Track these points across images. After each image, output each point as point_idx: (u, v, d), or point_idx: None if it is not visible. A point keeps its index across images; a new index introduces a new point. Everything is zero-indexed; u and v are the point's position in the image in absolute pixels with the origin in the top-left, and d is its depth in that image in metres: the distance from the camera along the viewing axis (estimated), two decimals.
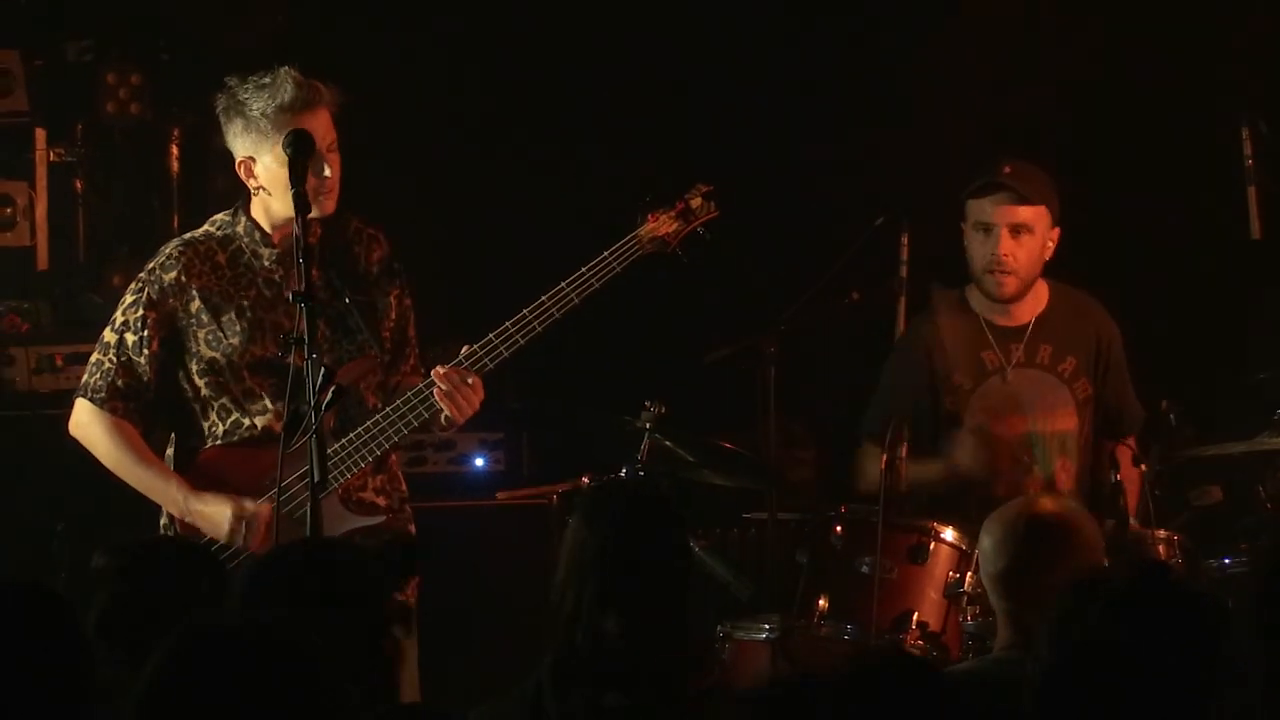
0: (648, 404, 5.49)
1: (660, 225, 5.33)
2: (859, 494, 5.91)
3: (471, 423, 5.32)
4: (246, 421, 5.20)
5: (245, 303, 5.22)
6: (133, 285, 5.29)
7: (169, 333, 5.22)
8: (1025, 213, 5.88)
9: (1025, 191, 5.87)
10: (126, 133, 7.41)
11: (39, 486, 6.51)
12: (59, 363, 6.91)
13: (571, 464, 6.08)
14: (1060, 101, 7.30)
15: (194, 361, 5.22)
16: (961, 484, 5.85)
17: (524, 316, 5.17)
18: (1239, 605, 3.02)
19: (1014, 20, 7.33)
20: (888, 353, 6.21)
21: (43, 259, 7.26)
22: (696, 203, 5.39)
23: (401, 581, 4.56)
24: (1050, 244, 5.92)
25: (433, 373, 5.15)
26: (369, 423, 5.16)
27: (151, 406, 5.25)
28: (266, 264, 5.24)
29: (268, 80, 5.12)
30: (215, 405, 5.22)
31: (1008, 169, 5.90)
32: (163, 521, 5.24)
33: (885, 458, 5.56)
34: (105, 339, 5.26)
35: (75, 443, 5.31)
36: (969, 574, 5.44)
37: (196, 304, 5.22)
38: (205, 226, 5.33)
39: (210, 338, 5.21)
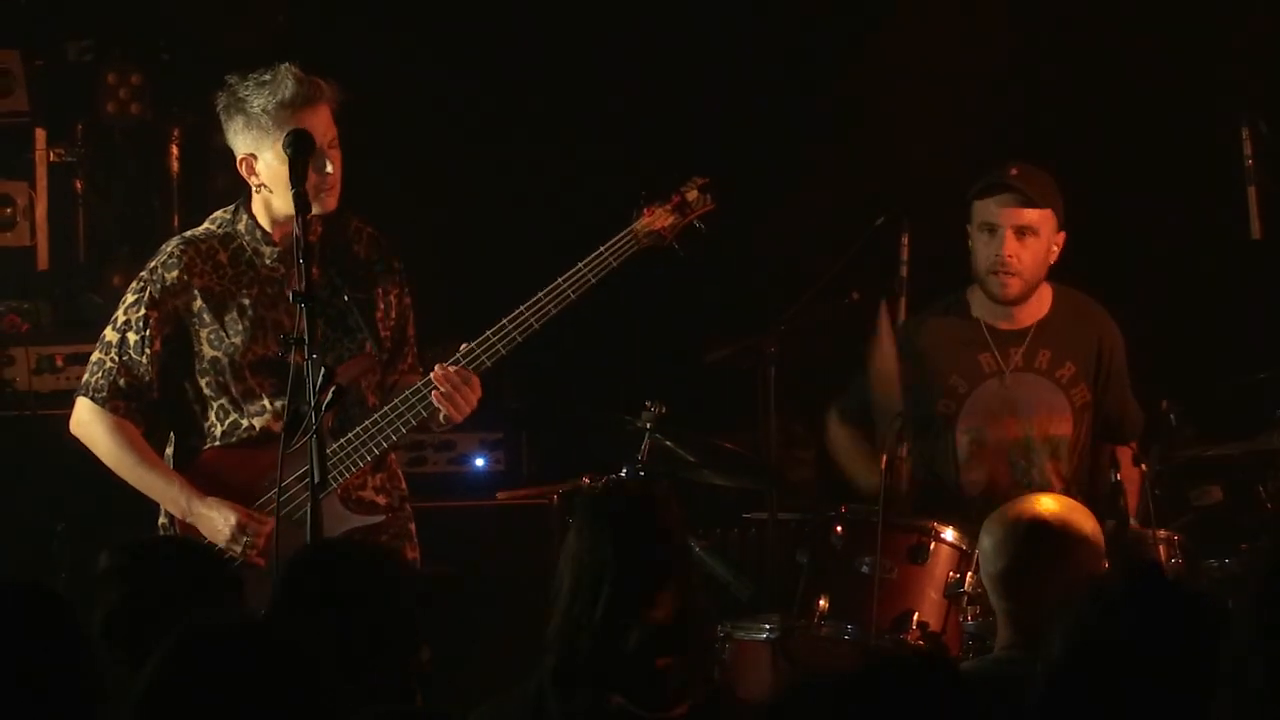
0: (648, 404, 5.49)
1: (656, 219, 5.33)
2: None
3: (471, 423, 5.32)
4: (245, 422, 5.20)
5: (247, 301, 5.22)
6: (134, 284, 5.29)
7: (171, 332, 5.22)
8: (1031, 215, 5.87)
9: (1031, 193, 5.86)
10: (127, 133, 7.42)
11: (39, 486, 6.50)
12: (59, 363, 6.91)
13: (571, 464, 6.08)
14: (1060, 101, 7.31)
15: (196, 361, 5.22)
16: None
17: (521, 314, 5.17)
18: (1239, 605, 3.02)
19: (1014, 20, 7.33)
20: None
21: (43, 259, 7.27)
22: (693, 196, 5.38)
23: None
24: (1055, 248, 5.90)
25: (431, 373, 5.15)
26: (367, 422, 5.16)
27: (153, 406, 5.25)
28: (268, 262, 5.24)
29: (268, 77, 5.12)
30: (214, 405, 5.22)
31: (1014, 171, 5.89)
32: (161, 521, 5.23)
33: (885, 458, 5.56)
34: (107, 338, 5.26)
35: (75, 442, 5.31)
36: (969, 574, 5.44)
37: (198, 303, 5.22)
38: (206, 224, 5.33)
39: (212, 337, 5.21)
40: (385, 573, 3.82)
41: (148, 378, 5.22)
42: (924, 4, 7.40)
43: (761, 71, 7.49)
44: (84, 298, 7.26)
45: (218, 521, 5.12)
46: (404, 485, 5.41)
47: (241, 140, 5.17)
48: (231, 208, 5.30)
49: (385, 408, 5.18)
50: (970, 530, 5.36)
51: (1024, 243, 5.87)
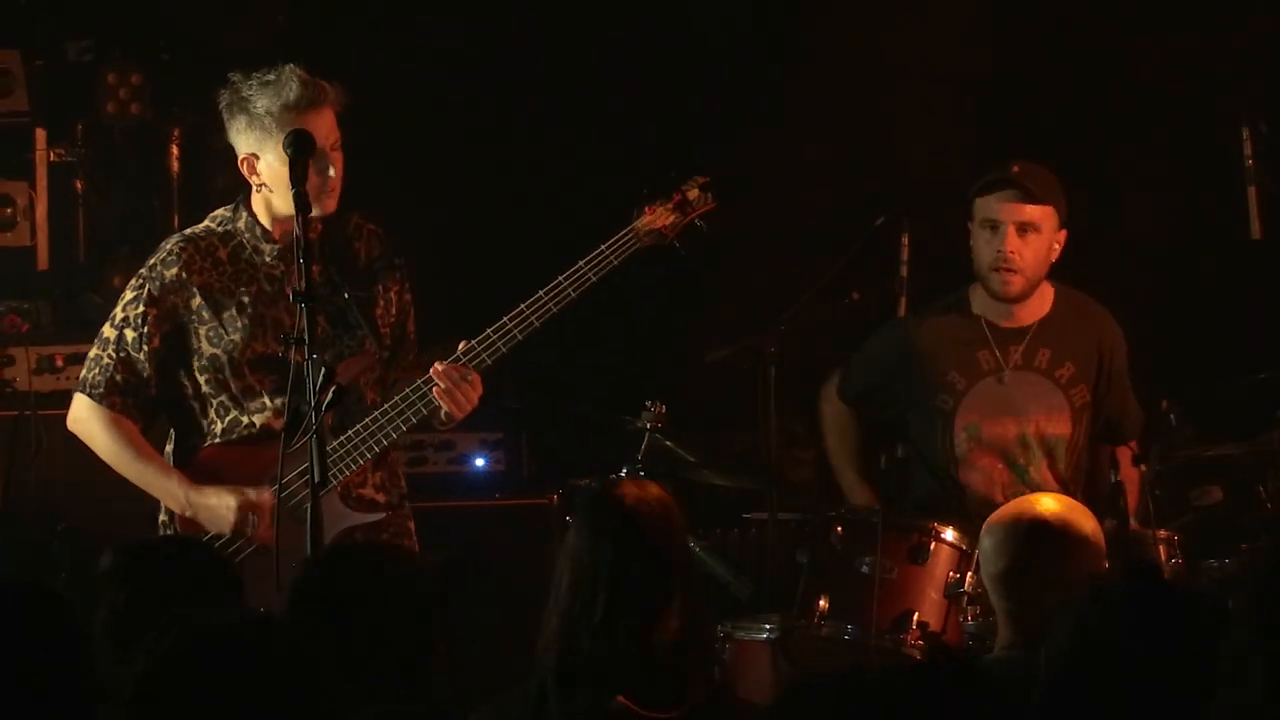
0: (648, 404, 5.49)
1: (657, 218, 5.33)
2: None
3: (471, 422, 5.32)
4: (245, 419, 5.20)
5: (246, 299, 5.22)
6: (133, 281, 5.29)
7: (170, 329, 5.22)
8: (1033, 211, 5.86)
9: (1034, 189, 5.85)
10: (127, 133, 7.41)
11: (39, 486, 6.51)
12: (59, 363, 6.91)
13: (571, 464, 6.08)
14: (1061, 101, 7.31)
15: (195, 358, 5.22)
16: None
17: (521, 312, 5.17)
18: (1239, 605, 3.02)
19: (1014, 20, 7.33)
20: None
21: (43, 259, 7.26)
22: (694, 194, 5.39)
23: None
24: (1056, 246, 5.90)
25: (431, 370, 5.15)
26: (368, 419, 5.16)
27: (151, 403, 5.25)
28: (267, 260, 5.24)
29: (272, 78, 5.12)
30: (214, 403, 5.22)
31: (1016, 168, 5.89)
32: (161, 519, 5.24)
33: (884, 457, 5.57)
34: (105, 334, 5.26)
35: (75, 442, 5.31)
36: (969, 574, 5.44)
37: (197, 300, 5.22)
38: (206, 222, 5.33)
39: (211, 334, 5.21)
40: (388, 573, 3.82)
41: (146, 374, 5.22)
42: (924, 4, 7.40)
43: (761, 71, 7.49)
44: (84, 298, 7.26)
45: (219, 509, 5.12)
46: (404, 484, 5.41)
47: (244, 140, 5.17)
48: (232, 205, 5.30)
49: (386, 405, 5.18)
50: (970, 530, 5.37)
51: (1026, 239, 5.86)
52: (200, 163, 7.28)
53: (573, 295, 5.19)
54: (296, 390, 4.64)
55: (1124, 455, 5.92)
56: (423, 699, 3.65)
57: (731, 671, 5.59)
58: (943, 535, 5.56)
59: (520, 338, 5.17)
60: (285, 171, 5.01)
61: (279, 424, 4.87)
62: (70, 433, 5.32)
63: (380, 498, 5.30)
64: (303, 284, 4.73)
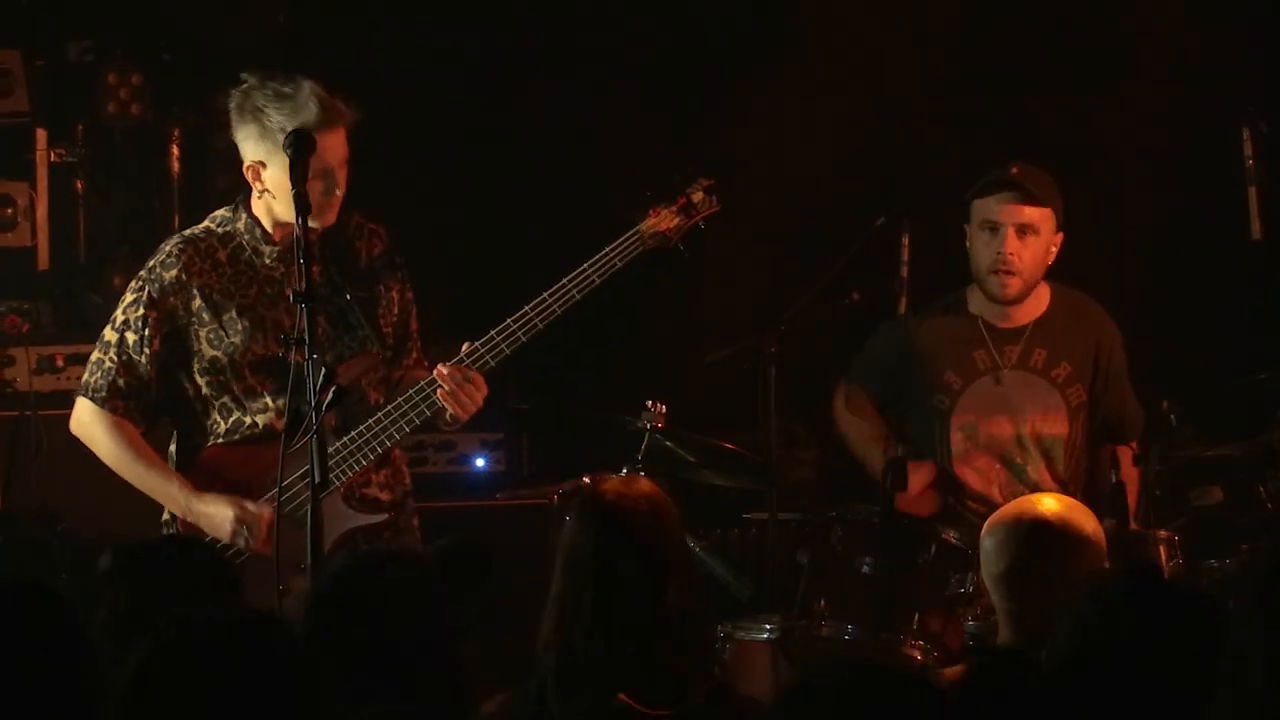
0: (648, 404, 5.49)
1: (662, 220, 5.33)
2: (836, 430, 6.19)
3: (472, 423, 5.32)
4: (248, 420, 5.20)
5: (246, 300, 5.22)
6: (133, 283, 5.29)
7: (170, 331, 5.22)
8: (1032, 213, 5.87)
9: (1033, 191, 5.86)
10: (127, 133, 7.42)
11: (39, 486, 6.50)
12: (59, 363, 6.91)
13: (571, 464, 6.07)
14: (1060, 101, 7.30)
15: (195, 360, 5.22)
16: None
17: (526, 314, 5.17)
18: (1239, 605, 3.02)
19: (1014, 20, 7.33)
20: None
21: (43, 259, 7.27)
22: (698, 197, 5.38)
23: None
24: (1054, 248, 5.91)
25: (435, 371, 5.15)
26: (371, 420, 5.16)
27: (153, 405, 5.25)
28: (267, 261, 5.24)
29: (289, 91, 5.08)
30: (216, 404, 5.22)
31: (1015, 170, 5.90)
32: (164, 519, 5.24)
33: (887, 456, 5.57)
34: (106, 337, 5.26)
35: (75, 443, 5.32)
36: (970, 574, 5.43)
37: (197, 302, 5.22)
38: (205, 223, 5.33)
39: (212, 336, 5.21)
40: (390, 574, 3.81)
41: (147, 377, 5.22)
42: (924, 4, 7.40)
43: (761, 71, 7.48)
44: (84, 298, 7.26)
45: (217, 516, 5.12)
46: (408, 480, 5.40)
47: (252, 147, 5.14)
48: (232, 206, 5.30)
49: (389, 405, 5.17)
50: (970, 530, 5.36)
51: (1025, 241, 5.87)
52: (200, 163, 7.29)
53: (576, 298, 5.19)
54: (297, 391, 4.64)
55: (1124, 455, 5.92)
56: (423, 700, 3.64)
57: (731, 671, 5.58)
58: (943, 535, 5.55)
59: (523, 340, 5.17)
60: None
61: (281, 425, 4.86)
62: (70, 433, 5.32)
63: (385, 496, 5.30)
64: (303, 284, 4.72)
